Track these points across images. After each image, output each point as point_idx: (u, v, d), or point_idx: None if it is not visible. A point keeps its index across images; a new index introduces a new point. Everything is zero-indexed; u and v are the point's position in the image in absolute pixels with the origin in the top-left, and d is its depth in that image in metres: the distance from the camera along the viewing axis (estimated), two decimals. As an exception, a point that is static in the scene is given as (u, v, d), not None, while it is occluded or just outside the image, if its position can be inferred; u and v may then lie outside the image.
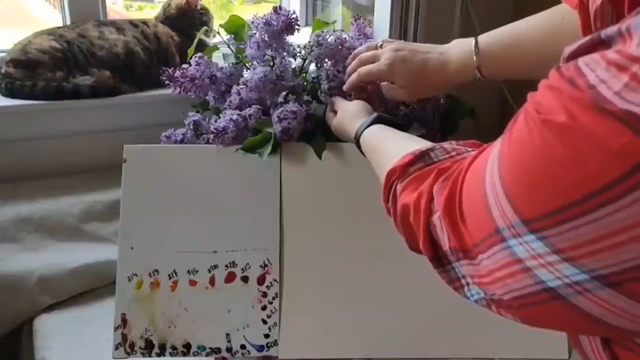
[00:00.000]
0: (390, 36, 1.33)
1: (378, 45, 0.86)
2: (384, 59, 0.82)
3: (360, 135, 0.74)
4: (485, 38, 0.77)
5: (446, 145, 0.56)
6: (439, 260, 0.48)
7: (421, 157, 0.55)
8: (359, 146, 0.74)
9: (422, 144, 0.59)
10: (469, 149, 0.54)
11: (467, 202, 0.43)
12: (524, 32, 0.75)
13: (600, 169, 0.31)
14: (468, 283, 0.45)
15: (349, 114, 0.80)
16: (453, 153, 0.54)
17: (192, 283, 0.85)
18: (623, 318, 0.34)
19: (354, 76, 0.85)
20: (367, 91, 0.88)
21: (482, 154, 0.43)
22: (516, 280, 0.37)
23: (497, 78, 0.79)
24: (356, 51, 0.89)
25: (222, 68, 0.94)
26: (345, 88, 0.88)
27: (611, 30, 0.33)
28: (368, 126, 0.73)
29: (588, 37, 0.35)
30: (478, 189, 0.40)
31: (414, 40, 1.32)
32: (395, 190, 0.56)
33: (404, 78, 0.81)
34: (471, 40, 0.77)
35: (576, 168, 0.32)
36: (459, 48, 0.79)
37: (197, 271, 0.85)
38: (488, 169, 0.39)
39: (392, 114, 0.94)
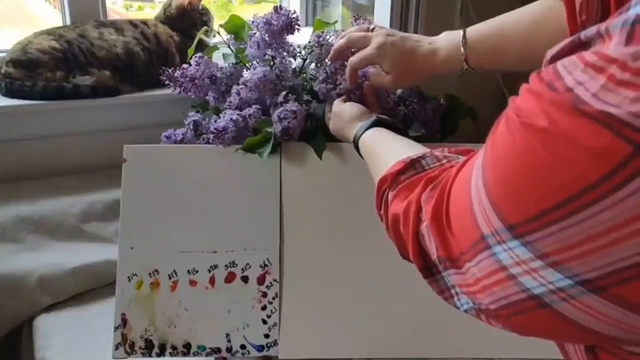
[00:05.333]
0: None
1: (370, 28, 0.86)
2: (374, 42, 0.81)
3: (358, 138, 0.74)
4: (473, 29, 0.77)
5: (437, 152, 0.56)
6: (429, 270, 0.48)
7: (412, 164, 0.55)
8: (358, 149, 0.74)
9: (416, 150, 0.59)
10: (460, 157, 0.54)
11: (454, 210, 0.42)
12: (510, 22, 0.74)
13: (582, 172, 0.31)
14: (457, 293, 0.45)
15: (348, 116, 0.80)
16: (444, 161, 0.54)
17: (192, 283, 0.85)
18: (609, 325, 0.34)
19: (347, 68, 0.85)
20: (363, 91, 0.87)
21: (470, 161, 0.43)
22: (502, 288, 0.37)
23: (485, 69, 0.79)
24: (347, 31, 0.89)
25: (222, 68, 0.94)
26: (345, 84, 0.87)
27: (591, 31, 0.33)
28: (367, 129, 0.73)
29: (569, 39, 0.35)
30: (464, 196, 0.40)
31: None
32: (386, 199, 0.56)
33: (392, 62, 0.80)
34: (460, 32, 0.77)
35: (558, 171, 0.32)
36: (448, 38, 0.79)
37: (197, 271, 0.85)
38: (474, 176, 0.39)
39: (390, 114, 0.94)
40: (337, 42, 0.87)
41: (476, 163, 0.40)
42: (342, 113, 0.82)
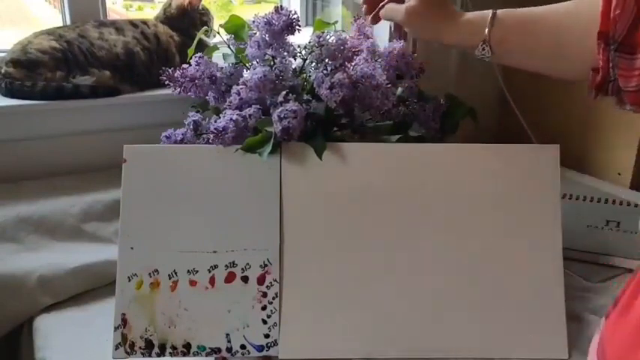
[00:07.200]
0: (390, 37, 1.33)
1: None
2: None
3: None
4: (505, 10, 0.76)
5: None
6: None
7: None
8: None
9: None
10: None
11: None
12: (543, 9, 0.73)
13: None
14: None
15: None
16: None
17: (192, 283, 0.85)
18: None
19: None
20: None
21: None
22: None
23: (505, 57, 0.75)
24: None
25: (222, 68, 0.94)
26: None
27: None
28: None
29: None
30: None
31: (413, 41, 1.32)
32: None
33: None
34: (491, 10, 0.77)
35: None
36: (478, 12, 0.79)
37: (197, 271, 0.85)
38: None
39: (391, 114, 0.94)
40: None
41: None
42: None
